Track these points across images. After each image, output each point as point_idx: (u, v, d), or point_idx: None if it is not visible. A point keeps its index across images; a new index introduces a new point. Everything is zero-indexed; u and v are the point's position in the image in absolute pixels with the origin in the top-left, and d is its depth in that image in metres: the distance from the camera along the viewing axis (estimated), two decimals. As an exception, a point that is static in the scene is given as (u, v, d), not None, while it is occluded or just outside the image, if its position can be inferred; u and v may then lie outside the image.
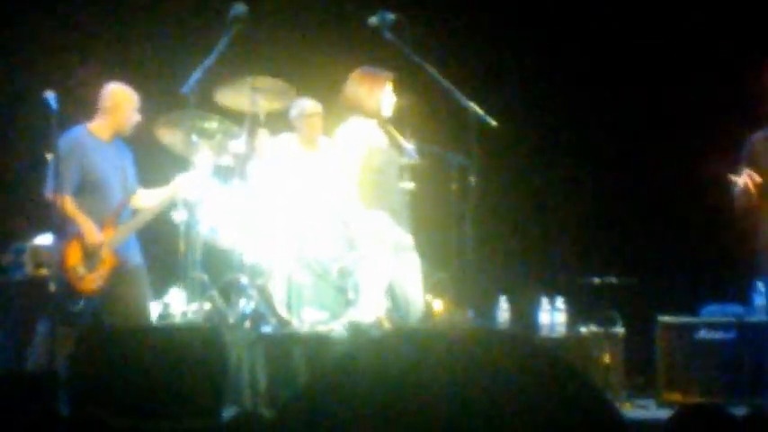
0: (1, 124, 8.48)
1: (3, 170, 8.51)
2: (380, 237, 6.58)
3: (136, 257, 7.04)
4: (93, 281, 6.78)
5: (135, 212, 7.12)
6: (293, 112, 7.98)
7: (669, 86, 8.92)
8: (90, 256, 6.79)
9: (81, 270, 6.75)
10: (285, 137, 7.98)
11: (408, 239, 6.74)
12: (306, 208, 7.60)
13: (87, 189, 6.90)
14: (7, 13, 8.55)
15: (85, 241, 6.79)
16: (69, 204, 6.77)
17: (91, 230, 6.80)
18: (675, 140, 8.94)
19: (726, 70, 8.60)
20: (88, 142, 6.96)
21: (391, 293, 6.89)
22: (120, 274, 6.88)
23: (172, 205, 7.22)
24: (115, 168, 7.04)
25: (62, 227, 6.68)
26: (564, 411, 2.87)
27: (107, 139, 7.05)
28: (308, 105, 7.95)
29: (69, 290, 6.66)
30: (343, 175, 7.61)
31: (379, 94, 6.72)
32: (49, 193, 6.73)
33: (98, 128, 7.04)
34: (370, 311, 6.56)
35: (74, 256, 6.75)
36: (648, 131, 9.02)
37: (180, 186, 7.11)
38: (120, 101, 7.03)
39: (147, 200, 7.15)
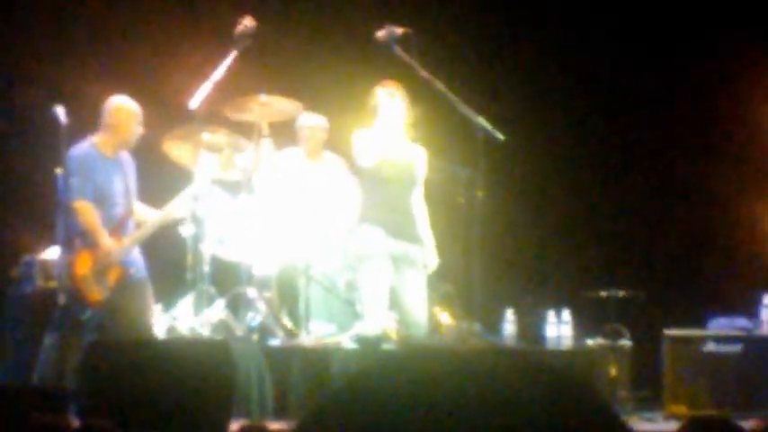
0: (9, 138, 8.51)
1: (12, 184, 8.54)
2: (375, 251, 6.54)
3: (141, 270, 7.08)
4: (100, 292, 6.82)
5: (137, 225, 7.15)
6: (296, 126, 8.03)
7: (679, 99, 8.92)
8: (100, 266, 6.82)
9: (90, 280, 6.79)
10: (290, 150, 8.03)
11: (414, 253, 6.68)
12: (311, 221, 7.63)
13: (95, 204, 6.94)
14: (15, 26, 8.59)
15: (98, 252, 6.82)
16: (92, 212, 6.80)
17: (107, 242, 6.84)
18: (682, 153, 8.94)
19: (738, 84, 8.61)
20: (94, 157, 7.00)
21: (396, 307, 6.91)
22: (124, 285, 6.92)
23: (174, 222, 7.25)
24: (119, 182, 7.08)
25: (70, 238, 6.72)
26: (571, 426, 2.88)
27: (111, 154, 7.09)
28: (309, 119, 7.99)
29: (78, 300, 6.69)
30: (346, 187, 7.65)
31: (396, 108, 6.69)
32: (70, 201, 6.76)
33: (102, 143, 7.07)
34: (376, 324, 6.55)
35: (83, 267, 6.79)
36: (655, 145, 9.02)
37: (175, 210, 7.12)
38: (122, 116, 7.05)
39: (144, 215, 7.17)
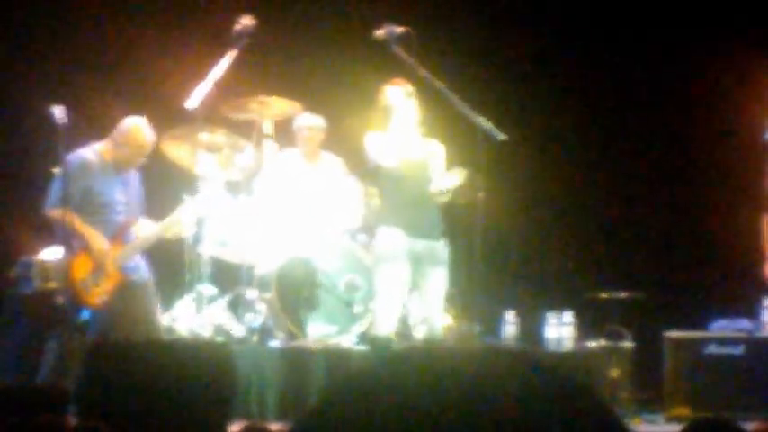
0: (8, 139, 8.48)
1: (10, 185, 8.51)
2: (392, 253, 6.47)
3: (143, 273, 7.04)
4: (97, 295, 6.78)
5: (138, 235, 7.11)
6: (294, 127, 8.01)
7: (682, 102, 8.92)
8: (97, 268, 6.79)
9: (87, 282, 6.76)
10: (288, 151, 8.01)
11: (438, 250, 6.57)
12: (310, 222, 7.62)
13: (92, 209, 6.92)
14: (15, 27, 8.56)
15: (93, 251, 6.78)
16: (74, 219, 6.76)
17: (97, 239, 6.81)
18: (685, 155, 8.94)
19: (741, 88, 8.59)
20: (95, 164, 6.96)
21: (412, 306, 6.86)
22: (126, 290, 6.89)
23: (176, 235, 7.21)
24: (120, 190, 7.05)
25: (68, 240, 6.69)
26: (572, 427, 2.86)
27: (113, 164, 7.05)
28: (308, 119, 7.97)
29: (74, 302, 6.65)
30: (345, 187, 7.61)
31: (409, 106, 6.63)
32: (50, 208, 6.74)
33: (107, 153, 7.03)
34: (387, 326, 6.48)
35: (80, 269, 6.76)
36: (658, 146, 9.02)
37: (178, 223, 7.09)
38: (135, 140, 7.00)
39: (147, 230, 7.13)
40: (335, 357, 6.86)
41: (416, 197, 6.54)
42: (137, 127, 7.02)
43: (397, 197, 6.54)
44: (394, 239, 6.44)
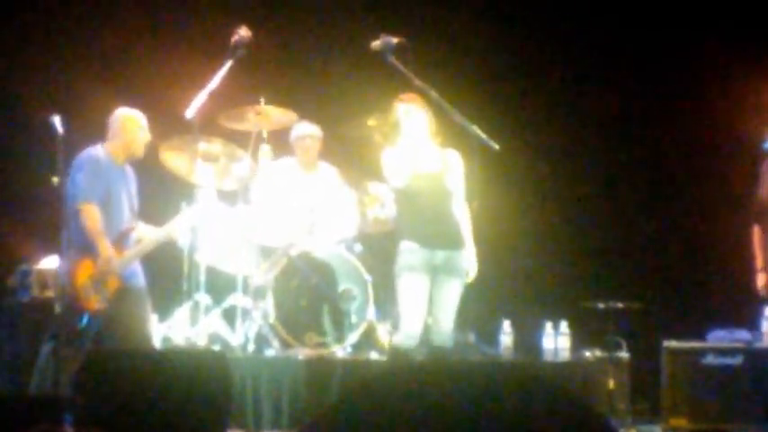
0: (6, 148, 8.49)
1: (8, 194, 8.52)
2: (410, 265, 6.43)
3: (139, 280, 7.04)
4: (97, 301, 6.79)
5: (137, 241, 7.12)
6: (293, 136, 8.02)
7: (680, 113, 8.92)
8: (100, 275, 6.78)
9: (89, 288, 6.75)
10: (285, 160, 8.02)
11: (455, 260, 6.53)
12: (306, 230, 7.62)
13: (101, 207, 6.92)
14: (14, 37, 8.59)
15: (99, 260, 6.78)
16: (96, 216, 6.78)
17: (108, 246, 6.80)
18: (681, 165, 8.94)
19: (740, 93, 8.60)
20: (107, 163, 6.99)
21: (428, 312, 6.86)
22: (123, 296, 6.88)
23: (174, 241, 7.21)
24: (124, 193, 7.06)
25: (72, 246, 6.68)
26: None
27: (120, 163, 7.08)
28: (306, 128, 7.99)
29: (74, 307, 6.65)
30: (341, 197, 7.61)
31: (417, 121, 6.61)
32: (82, 202, 6.75)
33: (114, 150, 7.06)
34: (407, 337, 6.44)
35: (84, 274, 6.75)
36: (655, 157, 9.02)
37: (176, 229, 7.09)
38: (128, 126, 7.05)
39: (144, 233, 7.14)
40: (328, 368, 6.85)
41: (433, 210, 6.47)
42: (125, 113, 7.08)
43: (413, 212, 6.50)
44: (412, 252, 6.41)
